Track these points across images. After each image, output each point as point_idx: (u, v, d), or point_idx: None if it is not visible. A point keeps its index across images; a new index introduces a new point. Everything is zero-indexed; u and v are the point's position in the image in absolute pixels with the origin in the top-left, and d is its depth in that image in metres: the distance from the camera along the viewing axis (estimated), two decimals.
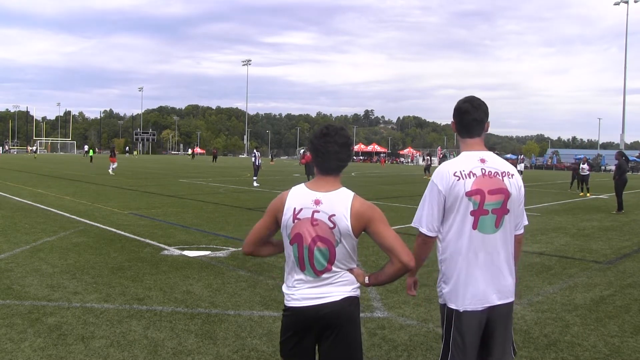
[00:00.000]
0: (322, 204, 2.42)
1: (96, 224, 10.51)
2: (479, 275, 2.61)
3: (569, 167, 34.16)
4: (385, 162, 76.50)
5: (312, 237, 2.43)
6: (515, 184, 2.69)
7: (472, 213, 2.60)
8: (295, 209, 2.46)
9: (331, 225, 2.40)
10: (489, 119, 2.76)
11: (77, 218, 11.32)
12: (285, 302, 2.54)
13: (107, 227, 10.13)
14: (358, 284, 2.52)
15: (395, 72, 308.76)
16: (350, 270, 2.50)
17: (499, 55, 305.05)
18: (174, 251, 8.02)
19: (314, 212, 2.42)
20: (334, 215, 2.40)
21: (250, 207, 14.32)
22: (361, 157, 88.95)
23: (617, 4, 57.43)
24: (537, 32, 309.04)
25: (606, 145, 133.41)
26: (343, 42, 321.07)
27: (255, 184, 22.61)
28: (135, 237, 9.16)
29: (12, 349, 4.15)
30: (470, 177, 2.62)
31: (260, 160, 24.59)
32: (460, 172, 2.63)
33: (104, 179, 25.34)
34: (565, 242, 9.60)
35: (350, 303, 2.47)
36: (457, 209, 2.61)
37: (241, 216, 12.34)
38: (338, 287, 2.46)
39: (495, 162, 2.69)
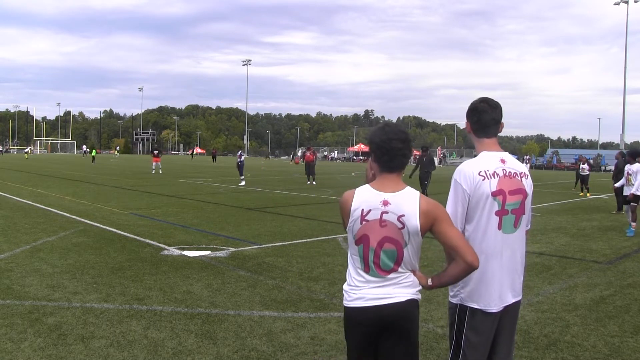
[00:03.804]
0: (391, 204, 2.41)
1: (96, 224, 10.51)
2: (501, 275, 2.63)
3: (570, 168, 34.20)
4: None
5: (379, 239, 2.41)
6: (529, 184, 2.73)
7: (497, 213, 2.61)
8: (363, 210, 2.43)
9: (400, 225, 2.39)
10: (502, 120, 2.77)
11: (77, 218, 11.33)
12: (344, 301, 2.51)
13: (107, 227, 10.13)
14: (420, 287, 2.50)
15: (396, 72, 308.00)
16: (413, 272, 2.49)
17: (499, 55, 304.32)
18: (174, 251, 8.02)
19: (382, 213, 2.41)
20: (403, 215, 2.39)
21: (250, 207, 14.31)
22: (361, 157, 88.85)
23: (617, 4, 57.27)
24: (537, 32, 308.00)
25: (606, 145, 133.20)
26: (343, 42, 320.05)
27: (241, 182, 22.88)
28: (135, 237, 9.17)
29: (12, 349, 4.15)
30: (494, 177, 2.61)
31: (241, 159, 24.22)
32: (485, 172, 2.62)
33: (104, 179, 25.35)
34: (565, 242, 9.60)
35: (412, 305, 2.45)
36: (482, 208, 2.59)
37: (241, 216, 12.34)
38: (403, 288, 2.44)
39: (514, 163, 2.72)
